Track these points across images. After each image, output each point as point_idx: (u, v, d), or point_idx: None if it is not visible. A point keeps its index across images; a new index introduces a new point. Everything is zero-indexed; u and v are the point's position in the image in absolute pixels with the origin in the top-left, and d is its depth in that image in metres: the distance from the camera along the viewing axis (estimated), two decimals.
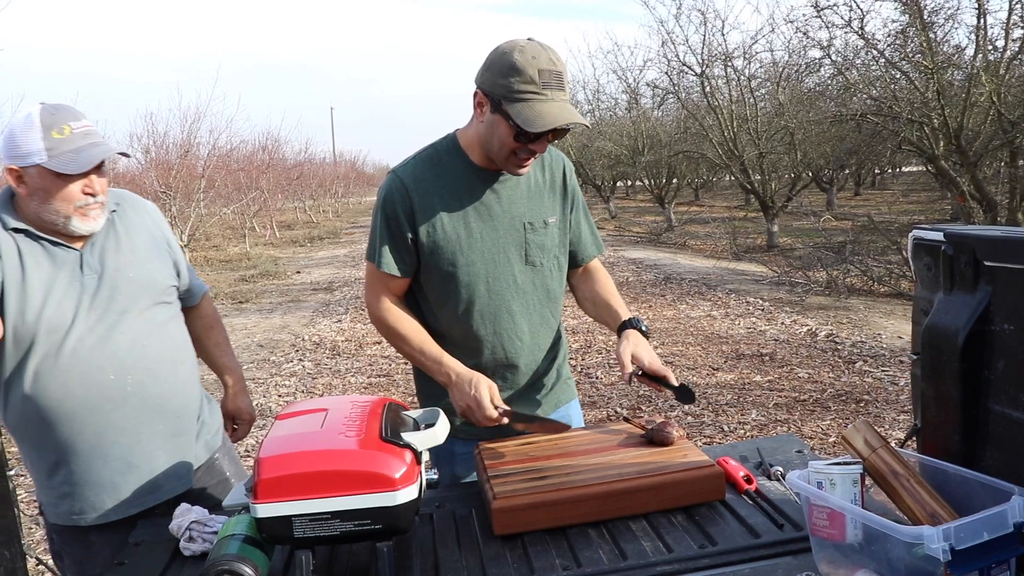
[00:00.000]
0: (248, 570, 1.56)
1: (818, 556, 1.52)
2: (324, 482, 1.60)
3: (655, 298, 10.62)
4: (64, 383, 2.03)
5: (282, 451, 1.67)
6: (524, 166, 2.13)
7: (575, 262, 2.41)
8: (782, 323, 8.54)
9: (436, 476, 1.84)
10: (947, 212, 17.98)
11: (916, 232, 1.65)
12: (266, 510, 1.60)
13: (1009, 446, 1.46)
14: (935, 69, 9.30)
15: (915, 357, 1.68)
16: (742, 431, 5.21)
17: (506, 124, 2.02)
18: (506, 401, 2.20)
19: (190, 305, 2.45)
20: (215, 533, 1.85)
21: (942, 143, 10.03)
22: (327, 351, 8.71)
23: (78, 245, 2.10)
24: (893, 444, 1.57)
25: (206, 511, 1.96)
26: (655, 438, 2.01)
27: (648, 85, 21.64)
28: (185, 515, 1.93)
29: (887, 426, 5.09)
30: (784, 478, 1.97)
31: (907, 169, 28.76)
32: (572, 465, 1.94)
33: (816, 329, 8.10)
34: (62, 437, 2.07)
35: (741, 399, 5.89)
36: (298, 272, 16.53)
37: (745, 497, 1.89)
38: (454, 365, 2.17)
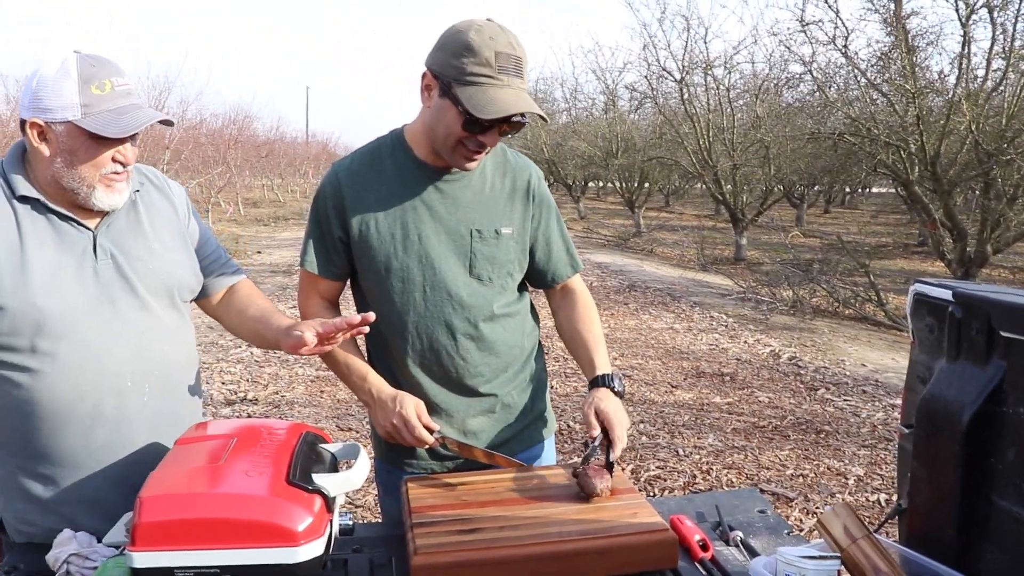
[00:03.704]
0: None
1: None
2: (214, 531, 1.38)
3: (618, 306, 10.41)
4: (75, 386, 1.74)
5: (168, 490, 1.44)
6: (473, 160, 1.89)
7: (546, 282, 2.16)
8: (745, 341, 8.37)
9: (351, 522, 1.62)
10: (915, 236, 18.04)
11: (918, 287, 1.43)
12: (144, 559, 1.38)
13: (1014, 549, 1.24)
14: (916, 93, 9.20)
15: (907, 430, 1.46)
16: (697, 456, 5.01)
17: (455, 110, 1.79)
18: (465, 435, 2.01)
19: (231, 284, 2.12)
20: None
21: (917, 168, 9.94)
22: None
23: (92, 223, 1.80)
24: (870, 523, 1.35)
25: (93, 539, 1.68)
26: (580, 484, 1.80)
27: (626, 88, 21.53)
28: (65, 545, 1.64)
29: (847, 461, 4.92)
30: (743, 544, 1.76)
31: (877, 190, 28.85)
32: (507, 517, 1.70)
33: (779, 350, 7.93)
34: (59, 446, 1.76)
35: (698, 421, 5.69)
36: (259, 252, 16.14)
37: (699, 567, 1.67)
38: (377, 382, 1.96)
